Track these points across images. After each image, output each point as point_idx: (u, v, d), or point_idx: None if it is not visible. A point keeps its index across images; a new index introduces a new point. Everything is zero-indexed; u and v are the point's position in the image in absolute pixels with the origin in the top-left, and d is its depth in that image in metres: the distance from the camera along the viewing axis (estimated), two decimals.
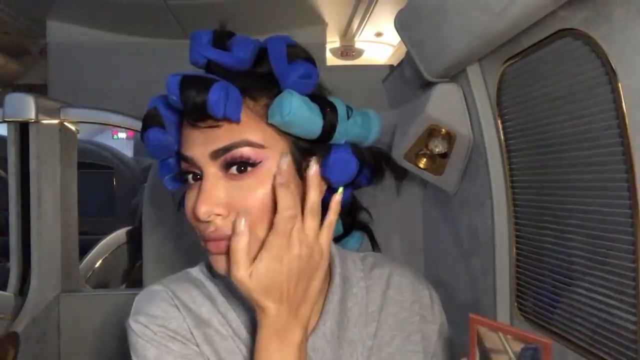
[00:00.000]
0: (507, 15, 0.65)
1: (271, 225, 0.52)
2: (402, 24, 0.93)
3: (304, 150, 0.56)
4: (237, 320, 0.59)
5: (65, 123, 1.49)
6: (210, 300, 0.61)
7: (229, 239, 0.52)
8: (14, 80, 3.06)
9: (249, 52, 0.55)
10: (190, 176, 0.56)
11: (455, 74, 0.91)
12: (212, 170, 0.53)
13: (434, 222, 1.24)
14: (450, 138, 0.95)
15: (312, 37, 2.39)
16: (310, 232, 0.52)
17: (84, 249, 2.15)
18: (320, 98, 0.57)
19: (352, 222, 0.69)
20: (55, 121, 1.46)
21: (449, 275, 1.13)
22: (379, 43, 3.17)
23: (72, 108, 1.49)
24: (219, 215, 0.53)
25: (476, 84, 0.88)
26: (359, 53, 3.22)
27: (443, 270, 1.18)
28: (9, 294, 1.39)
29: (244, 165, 0.52)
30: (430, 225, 1.28)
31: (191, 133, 0.54)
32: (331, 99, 0.58)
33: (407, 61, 1.06)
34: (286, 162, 0.52)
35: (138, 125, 1.56)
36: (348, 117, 0.57)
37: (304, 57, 0.56)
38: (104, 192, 3.63)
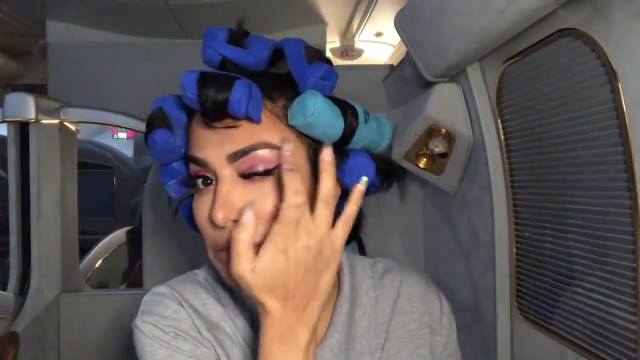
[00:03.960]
0: (507, 15, 0.65)
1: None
2: (402, 24, 0.93)
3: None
4: (246, 328, 0.57)
5: (65, 123, 1.49)
6: (220, 304, 0.58)
7: None
8: (14, 80, 3.06)
9: (266, 51, 0.53)
10: (200, 180, 0.53)
11: (455, 74, 0.91)
12: (227, 173, 0.50)
13: (434, 222, 1.24)
14: (450, 138, 0.95)
15: (312, 37, 2.38)
16: (321, 224, 0.47)
17: (84, 249, 2.15)
18: (339, 100, 0.55)
19: (355, 230, 0.66)
20: (55, 121, 1.46)
21: (449, 275, 1.13)
22: (379, 43, 3.16)
23: (72, 108, 1.48)
24: (235, 221, 0.49)
25: (476, 84, 0.88)
26: (359, 53, 3.22)
27: (443, 270, 1.18)
28: (9, 294, 1.39)
29: (262, 168, 0.50)
30: (430, 225, 1.28)
31: (205, 133, 0.51)
32: (349, 101, 0.56)
33: (407, 61, 1.06)
34: (290, 149, 0.48)
35: (138, 125, 1.56)
36: (365, 122, 0.55)
37: (323, 59, 0.55)
38: (104, 192, 3.63)
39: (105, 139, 5.21)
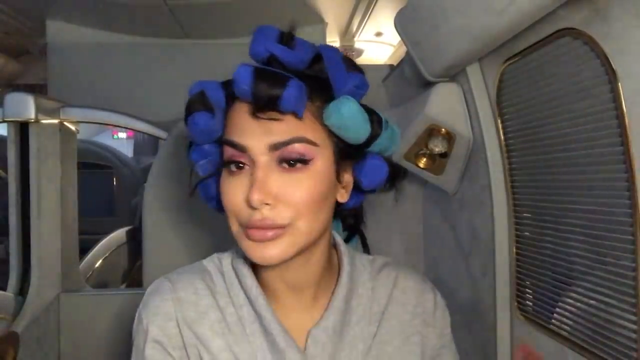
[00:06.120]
0: (507, 15, 0.65)
1: (316, 219, 0.56)
2: (402, 23, 0.93)
3: (343, 153, 0.60)
4: (234, 315, 0.61)
5: (65, 123, 1.49)
6: (212, 294, 0.63)
7: (276, 227, 0.55)
8: (14, 80, 3.06)
9: (309, 54, 0.57)
10: (233, 165, 0.57)
11: (455, 74, 0.91)
12: (265, 160, 0.55)
13: (434, 222, 1.24)
14: (450, 138, 0.95)
15: (312, 37, 2.38)
16: None
17: (84, 249, 2.15)
18: (368, 108, 0.60)
19: (356, 226, 0.73)
20: (55, 121, 1.46)
21: (449, 275, 1.13)
22: (379, 43, 3.16)
23: (72, 108, 1.48)
24: (267, 204, 0.55)
25: (476, 83, 0.88)
26: (359, 53, 3.22)
27: (443, 270, 1.18)
28: (9, 294, 1.39)
29: (296, 160, 0.55)
30: (430, 225, 1.28)
31: (248, 122, 0.55)
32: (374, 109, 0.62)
33: (407, 61, 1.06)
34: None
35: (138, 125, 1.56)
36: (385, 129, 0.61)
37: (358, 69, 0.60)
38: (104, 192, 3.63)
39: (105, 139, 5.21)
